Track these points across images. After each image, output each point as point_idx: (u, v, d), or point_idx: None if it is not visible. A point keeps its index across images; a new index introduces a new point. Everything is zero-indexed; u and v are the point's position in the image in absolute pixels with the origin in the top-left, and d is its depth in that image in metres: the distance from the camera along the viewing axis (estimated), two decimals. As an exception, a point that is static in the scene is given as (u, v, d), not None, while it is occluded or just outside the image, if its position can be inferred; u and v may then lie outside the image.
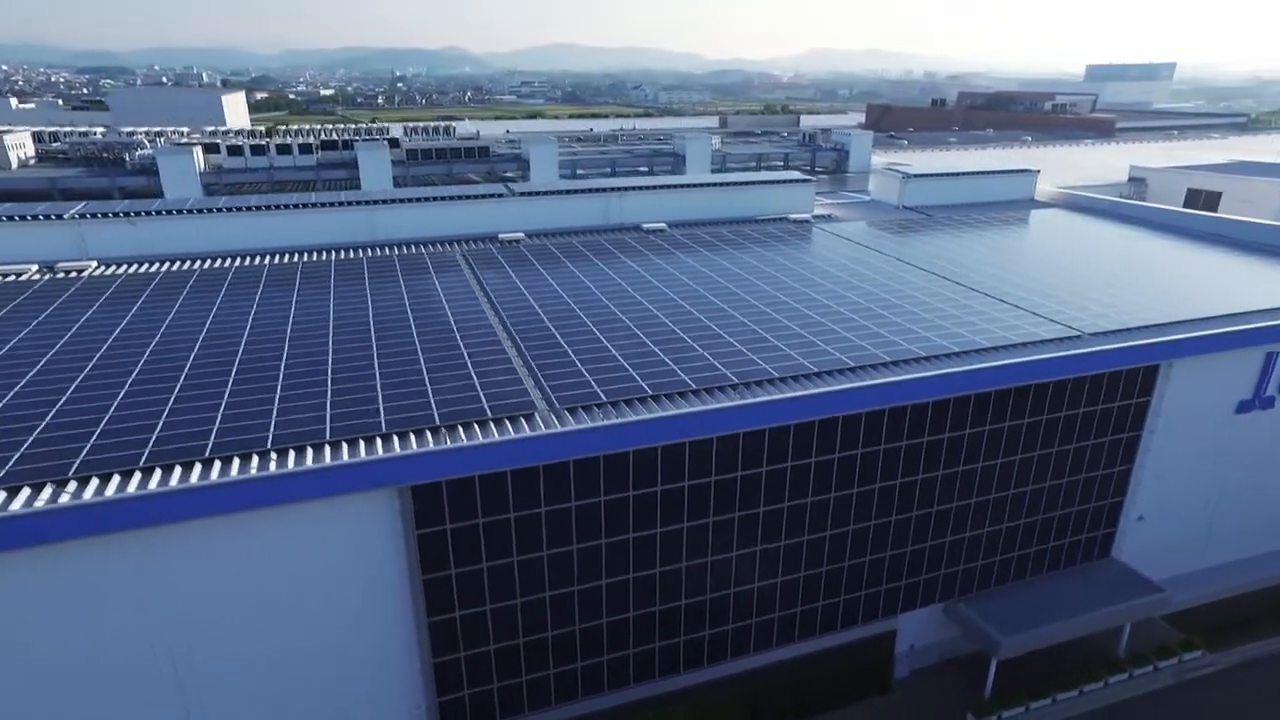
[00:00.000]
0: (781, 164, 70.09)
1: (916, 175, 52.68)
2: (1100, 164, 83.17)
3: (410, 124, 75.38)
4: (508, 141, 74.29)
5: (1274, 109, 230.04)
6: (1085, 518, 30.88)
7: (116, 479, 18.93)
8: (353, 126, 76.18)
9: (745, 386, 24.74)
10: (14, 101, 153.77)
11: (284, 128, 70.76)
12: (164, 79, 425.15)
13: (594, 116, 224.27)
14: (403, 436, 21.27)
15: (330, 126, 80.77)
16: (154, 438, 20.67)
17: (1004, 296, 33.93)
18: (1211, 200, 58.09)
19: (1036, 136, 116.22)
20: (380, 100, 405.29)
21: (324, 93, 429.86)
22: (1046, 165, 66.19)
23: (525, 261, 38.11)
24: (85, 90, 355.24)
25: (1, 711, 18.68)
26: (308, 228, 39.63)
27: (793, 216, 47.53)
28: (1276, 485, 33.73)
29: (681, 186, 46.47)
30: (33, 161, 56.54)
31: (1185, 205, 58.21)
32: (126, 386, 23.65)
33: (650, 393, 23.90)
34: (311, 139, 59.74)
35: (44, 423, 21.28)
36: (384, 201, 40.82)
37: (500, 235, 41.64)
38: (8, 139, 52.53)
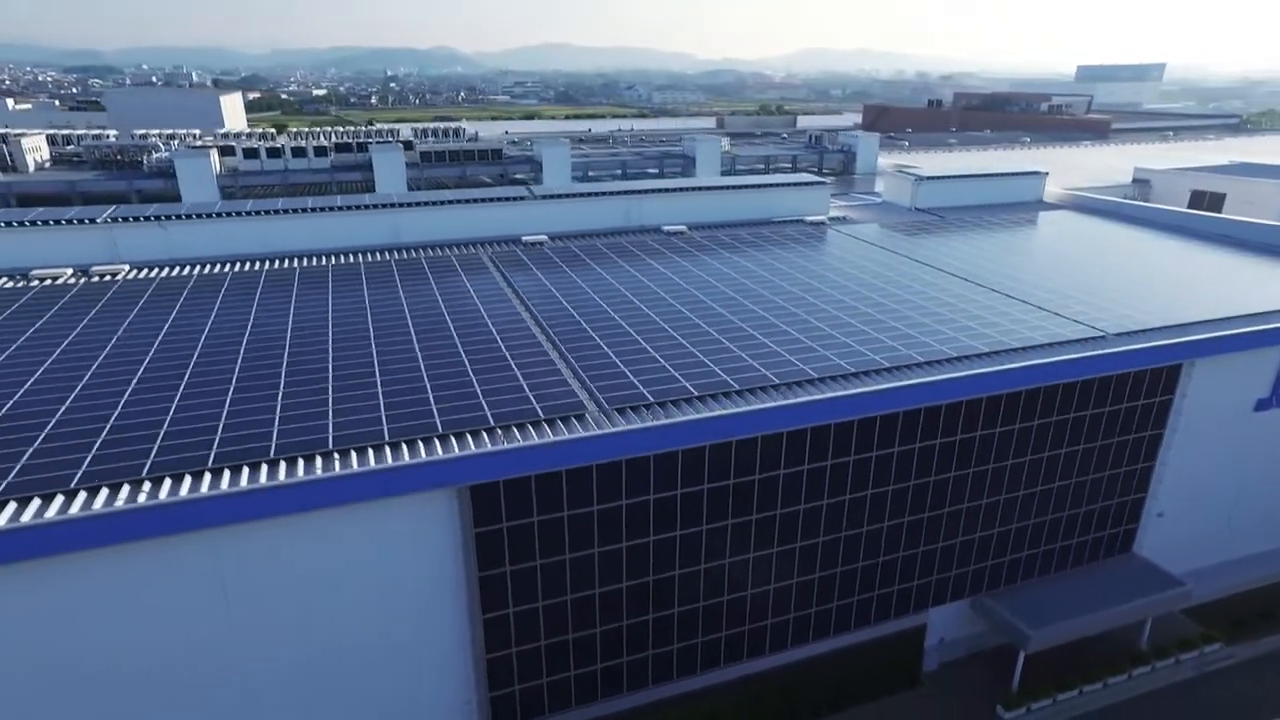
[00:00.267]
0: (790, 166, 70.77)
1: (928, 177, 53.45)
2: (1100, 165, 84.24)
3: (420, 126, 75.65)
4: (511, 142, 75.04)
5: (1264, 110, 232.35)
6: (1108, 514, 31.62)
7: (188, 480, 19.34)
8: (365, 129, 76.35)
9: (786, 387, 25.31)
10: (10, 102, 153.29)
11: (295, 130, 70.88)
12: (153, 79, 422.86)
13: (591, 117, 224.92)
14: (459, 437, 21.74)
15: (341, 129, 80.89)
16: (217, 439, 21.08)
17: (1025, 297, 34.62)
18: (1216, 201, 59.07)
19: (1034, 137, 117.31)
20: (374, 100, 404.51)
21: (316, 93, 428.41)
22: (1047, 166, 67.01)
23: (551, 263, 38.62)
24: (75, 90, 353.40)
25: (67, 712, 19.07)
26: (334, 231, 40.02)
27: (809, 218, 48.17)
28: (1291, 481, 34.60)
29: (701, 189, 47.06)
30: (47, 164, 56.64)
31: (1189, 206, 59.16)
32: (181, 389, 24.04)
33: (695, 393, 24.45)
34: (325, 141, 59.98)
35: (109, 424, 21.66)
36: (408, 204, 41.26)
37: (524, 238, 42.12)
38: (25, 142, 52.68)
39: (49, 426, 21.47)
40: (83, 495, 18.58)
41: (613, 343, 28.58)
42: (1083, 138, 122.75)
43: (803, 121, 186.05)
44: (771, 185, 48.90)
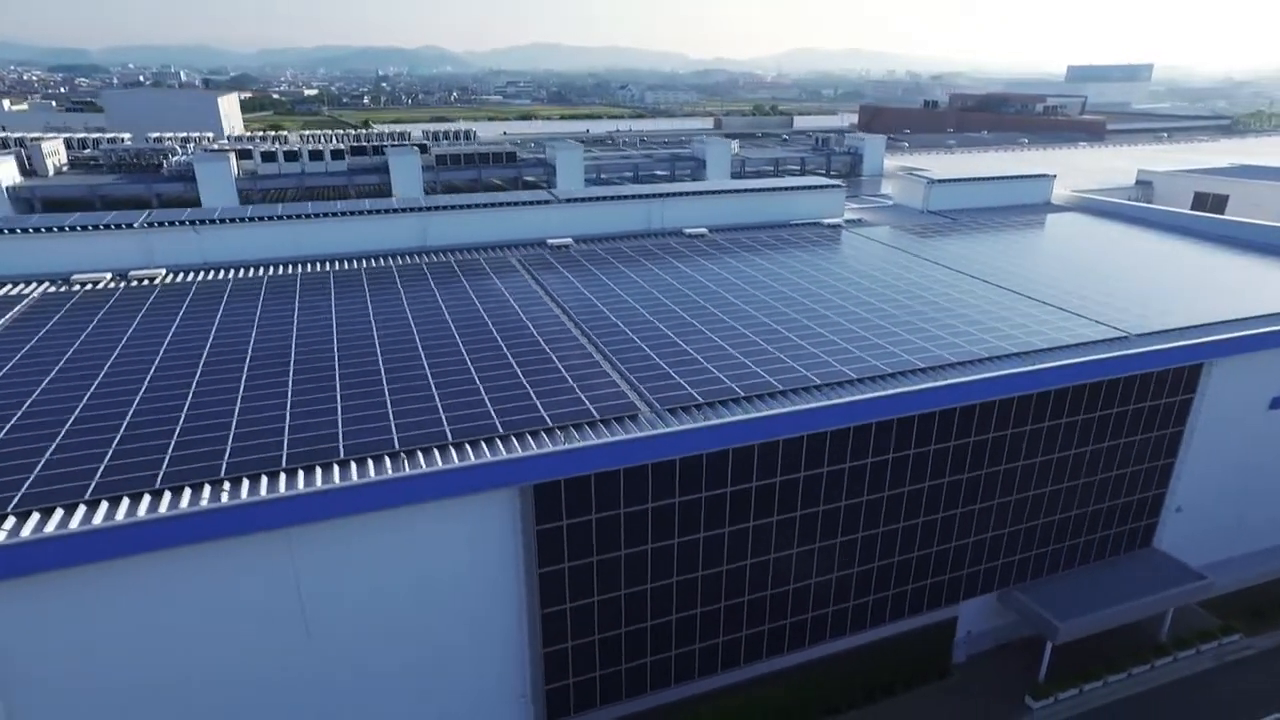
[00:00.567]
0: (798, 168, 71.67)
1: (940, 180, 54.38)
2: (1100, 166, 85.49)
3: (432, 129, 76.13)
4: (513, 144, 75.63)
5: (1252, 111, 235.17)
6: (1130, 509, 32.57)
7: (265, 480, 19.96)
8: (363, 131, 76.74)
9: (828, 387, 26.11)
10: (6, 103, 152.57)
11: (310, 133, 71.19)
12: (141, 78, 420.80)
13: (587, 118, 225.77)
14: (519, 438, 22.43)
15: (354, 132, 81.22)
16: (286, 440, 21.70)
17: (1046, 299, 35.54)
18: (1219, 203, 60.29)
19: (1031, 138, 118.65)
20: (366, 100, 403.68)
21: (308, 93, 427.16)
22: (1048, 168, 68.18)
23: (580, 266, 39.30)
24: (64, 89, 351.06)
25: (133, 712, 19.62)
26: (364, 234, 40.60)
27: (825, 221, 49.01)
28: (1303, 476, 35.66)
29: (720, 193, 47.85)
30: (65, 168, 56.86)
31: (1192, 208, 60.32)
32: (242, 390, 24.62)
33: (742, 394, 25.20)
34: (341, 145, 60.43)
35: (178, 427, 22.23)
36: (437, 208, 41.84)
37: (549, 240, 42.77)
38: (45, 146, 52.95)
39: (123, 428, 22.03)
40: (168, 495, 19.16)
41: (652, 344, 29.31)
42: (1079, 139, 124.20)
43: (799, 122, 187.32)
44: (788, 188, 49.72)
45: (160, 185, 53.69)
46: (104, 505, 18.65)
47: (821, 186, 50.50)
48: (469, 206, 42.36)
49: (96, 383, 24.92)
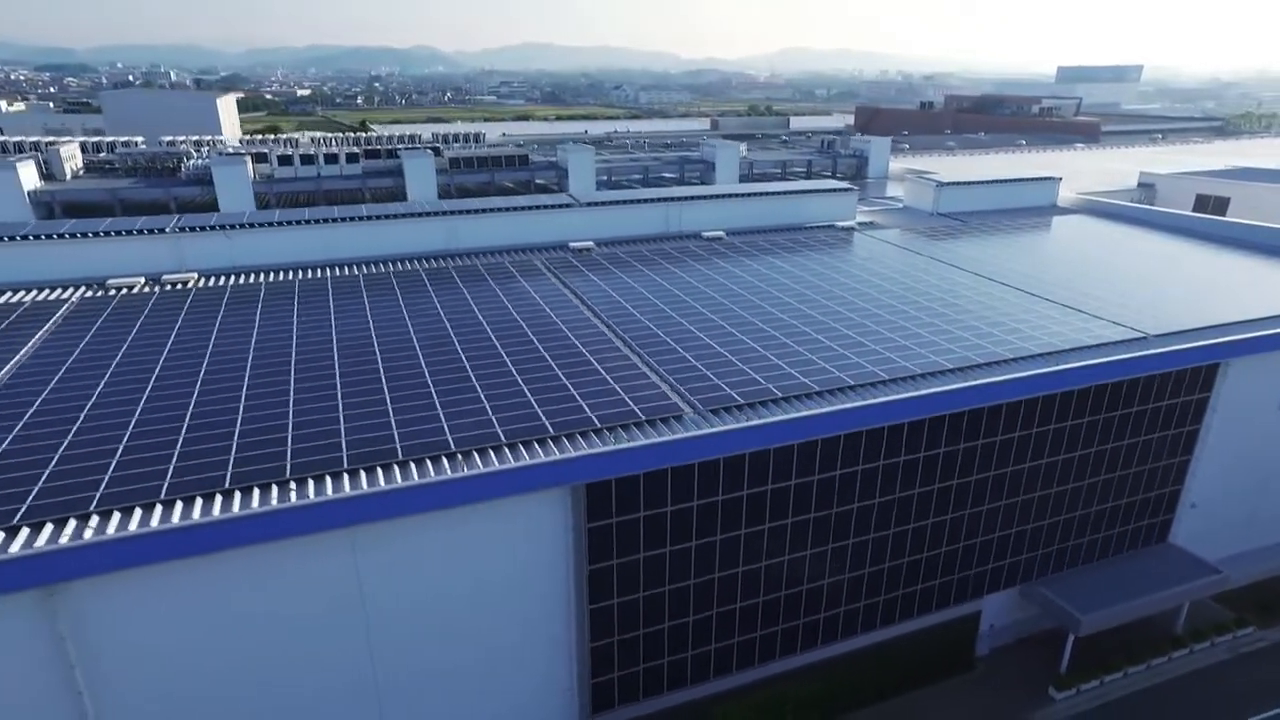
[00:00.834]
0: (804, 170, 72.51)
1: (950, 183, 55.26)
2: (1099, 168, 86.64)
3: (443, 132, 76.65)
4: (514, 144, 76.18)
5: (1241, 112, 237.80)
6: (1148, 505, 33.48)
7: (329, 481, 20.56)
8: (388, 135, 77.21)
9: (861, 388, 26.86)
10: (3, 104, 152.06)
11: (323, 136, 71.61)
12: (130, 78, 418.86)
13: (584, 118, 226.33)
14: (569, 438, 23.08)
15: (367, 135, 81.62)
16: (343, 440, 22.28)
17: (1062, 300, 36.39)
18: (1220, 205, 61.42)
19: (1028, 140, 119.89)
20: (360, 100, 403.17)
21: (301, 93, 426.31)
22: (1048, 170, 69.26)
23: (604, 269, 39.96)
24: (53, 89, 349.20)
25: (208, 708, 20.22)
26: (390, 237, 41.15)
27: (839, 224, 49.82)
28: (1312, 473, 36.65)
29: (737, 196, 48.56)
30: (81, 172, 57.14)
31: (1194, 210, 61.41)
32: (293, 391, 25.17)
33: (780, 395, 25.92)
34: (356, 148, 60.91)
35: (236, 428, 22.79)
36: (462, 212, 42.44)
37: (571, 243, 43.41)
38: (63, 150, 53.26)
39: (184, 430, 22.57)
40: (238, 495, 19.74)
41: (684, 344, 30.01)
42: (1074, 140, 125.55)
43: (796, 123, 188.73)
44: (802, 192, 50.53)
45: (178, 189, 54.01)
46: (179, 505, 19.21)
47: (835, 190, 51.33)
48: (493, 210, 42.98)
49: (150, 386, 25.43)
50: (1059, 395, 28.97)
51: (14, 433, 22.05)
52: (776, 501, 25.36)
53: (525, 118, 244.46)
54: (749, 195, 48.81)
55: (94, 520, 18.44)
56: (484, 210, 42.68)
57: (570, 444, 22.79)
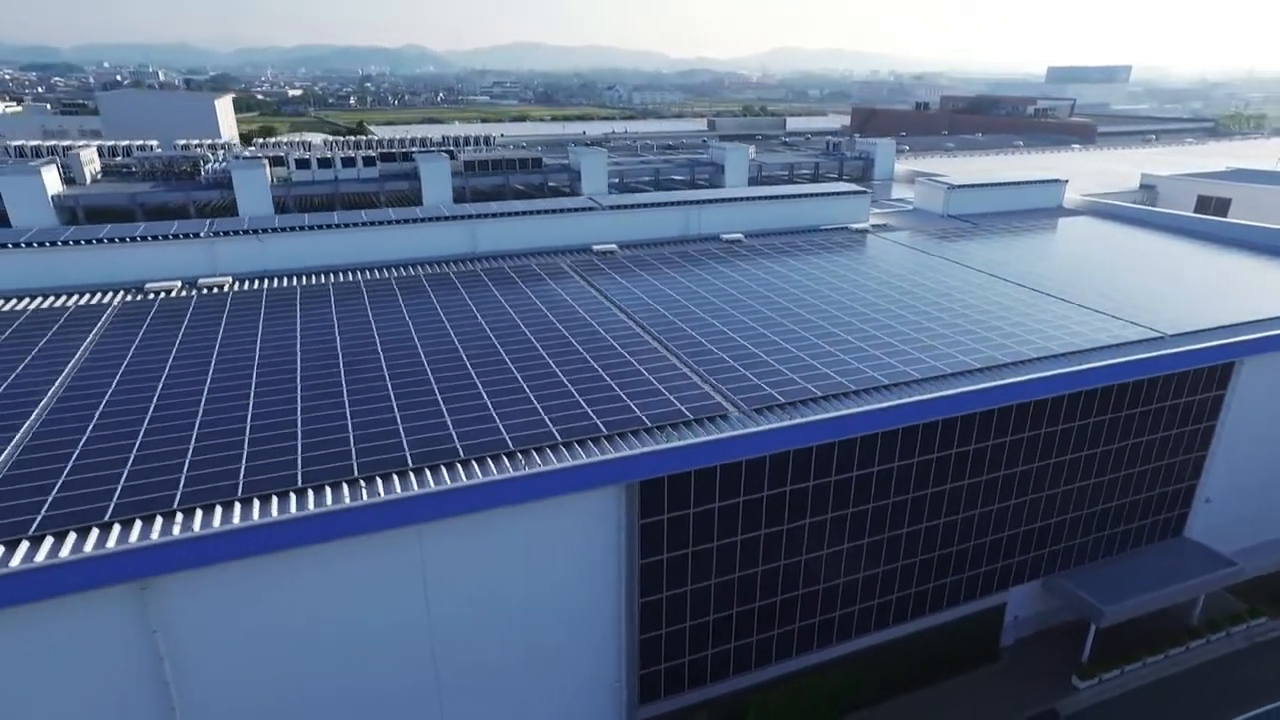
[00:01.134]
0: (811, 173, 73.44)
1: (959, 185, 56.28)
2: (1099, 169, 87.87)
3: (453, 134, 77.22)
4: (517, 145, 76.42)
5: (1231, 113, 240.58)
6: (1164, 500, 34.51)
7: (396, 479, 21.26)
8: (400, 138, 77.78)
9: (895, 387, 27.75)
10: (1, 106, 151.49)
11: (338, 138, 71.95)
12: (118, 77, 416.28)
13: (580, 119, 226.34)
14: (622, 437, 23.86)
15: (379, 139, 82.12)
16: (404, 440, 22.99)
17: (1078, 300, 37.38)
18: (1221, 206, 62.70)
19: (1025, 141, 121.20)
20: (352, 101, 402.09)
21: (292, 93, 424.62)
22: (1048, 171, 70.33)
23: (629, 271, 40.74)
24: (40, 89, 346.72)
25: (278, 701, 20.91)
26: (416, 241, 41.81)
27: (853, 226, 50.76)
28: (1320, 468, 37.77)
29: (754, 199, 49.42)
30: (99, 176, 57.51)
31: (1196, 211, 62.65)
32: (347, 394, 25.82)
33: (819, 394, 26.78)
34: (373, 151, 61.48)
35: (298, 429, 23.46)
36: (487, 215, 43.13)
37: (594, 246, 44.15)
38: (83, 155, 53.66)
39: (248, 431, 23.22)
40: (311, 494, 20.44)
41: (719, 345, 30.82)
42: (1070, 141, 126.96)
43: (792, 123, 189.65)
44: (817, 195, 51.45)
45: (197, 192, 54.45)
46: (255, 503, 19.89)
47: (849, 193, 52.27)
48: (518, 213, 43.68)
49: (207, 387, 26.06)
50: (1083, 393, 29.92)
51: (87, 434, 22.68)
52: (817, 497, 26.21)
53: (522, 119, 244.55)
54: (766, 198, 49.67)
55: (179, 518, 19.10)
56: (509, 213, 43.37)
57: (624, 443, 23.57)
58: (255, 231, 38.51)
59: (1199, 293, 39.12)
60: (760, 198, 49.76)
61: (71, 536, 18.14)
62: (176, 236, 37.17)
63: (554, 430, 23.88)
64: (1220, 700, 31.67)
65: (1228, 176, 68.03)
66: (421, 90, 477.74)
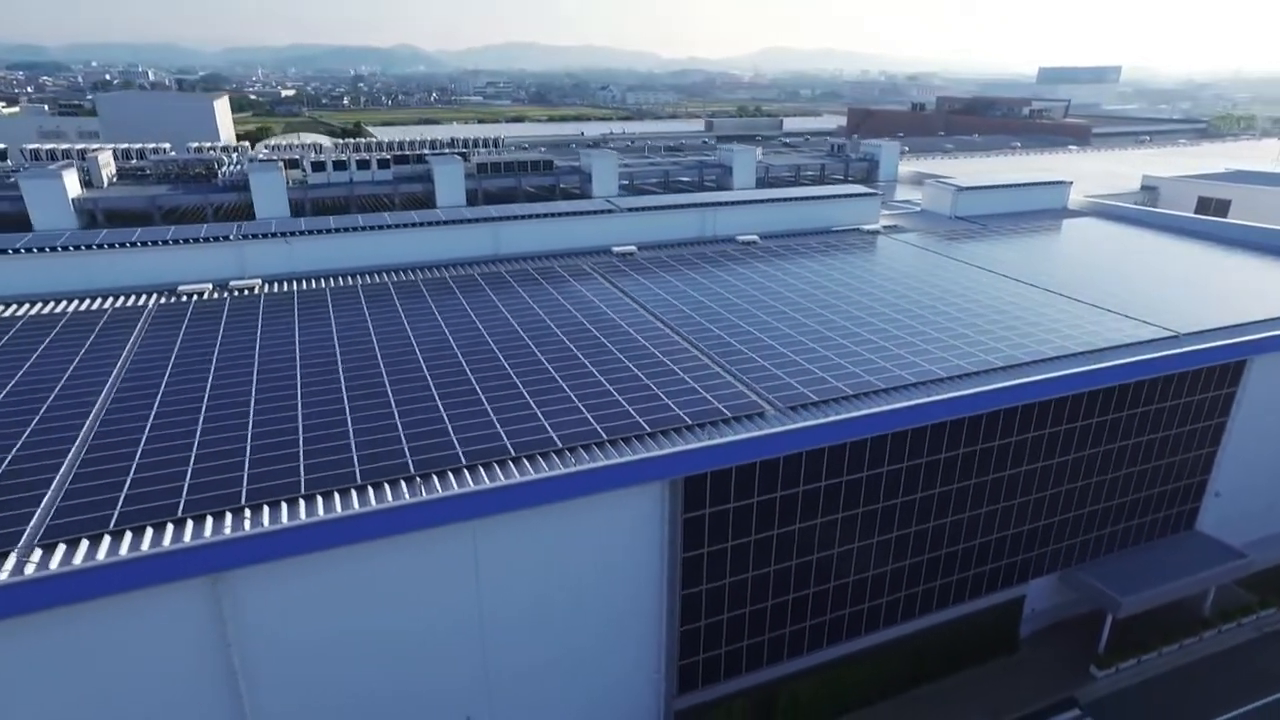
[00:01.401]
0: (817, 174, 74.32)
1: (967, 187, 57.21)
2: (1099, 171, 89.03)
3: (463, 136, 77.73)
4: (518, 146, 76.85)
5: (1221, 114, 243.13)
6: (1177, 494, 35.46)
7: (451, 476, 21.94)
8: (414, 140, 78.32)
9: (923, 385, 28.57)
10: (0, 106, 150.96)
11: (353, 141, 72.35)
12: (108, 76, 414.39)
13: (575, 119, 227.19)
14: (664, 435, 24.60)
15: (391, 141, 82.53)
16: (455, 439, 23.65)
17: (1090, 300, 38.30)
18: (1221, 208, 63.88)
19: (1022, 142, 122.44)
20: (345, 101, 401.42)
21: (285, 93, 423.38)
22: (1049, 173, 71.36)
23: (650, 272, 41.46)
24: (30, 88, 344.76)
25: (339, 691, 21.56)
26: (441, 243, 42.44)
27: (864, 227, 51.61)
28: (1326, 462, 38.83)
29: (768, 201, 50.24)
30: (115, 179, 57.84)
31: (1196, 212, 63.77)
32: (392, 395, 26.45)
33: (849, 393, 27.58)
34: (386, 153, 62.01)
35: (350, 427, 24.08)
36: (508, 218, 43.79)
37: (614, 248, 44.86)
38: (100, 157, 54.02)
39: (301, 430, 23.83)
40: (370, 490, 21.09)
41: (749, 345, 31.59)
42: (1066, 142, 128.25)
43: (789, 124, 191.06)
44: (829, 196, 52.28)
45: (214, 195, 54.85)
46: (319, 499, 20.53)
47: (860, 194, 53.15)
48: (539, 216, 44.36)
49: (254, 386, 26.64)
50: (1101, 391, 30.82)
51: (146, 432, 23.26)
52: (849, 493, 27.00)
53: (519, 119, 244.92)
54: (780, 200, 50.50)
55: (247, 513, 19.72)
56: (530, 216, 44.05)
57: (666, 440, 24.30)
58: (283, 234, 39.05)
59: (1207, 292, 40.13)
60: (774, 200, 50.58)
61: (148, 532, 18.74)
62: (206, 239, 37.69)
63: (599, 429, 24.57)
64: (1234, 688, 32.61)
65: (1227, 178, 69.27)
66: (414, 90, 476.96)
